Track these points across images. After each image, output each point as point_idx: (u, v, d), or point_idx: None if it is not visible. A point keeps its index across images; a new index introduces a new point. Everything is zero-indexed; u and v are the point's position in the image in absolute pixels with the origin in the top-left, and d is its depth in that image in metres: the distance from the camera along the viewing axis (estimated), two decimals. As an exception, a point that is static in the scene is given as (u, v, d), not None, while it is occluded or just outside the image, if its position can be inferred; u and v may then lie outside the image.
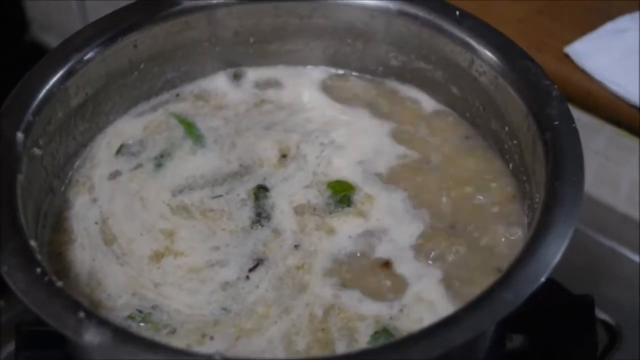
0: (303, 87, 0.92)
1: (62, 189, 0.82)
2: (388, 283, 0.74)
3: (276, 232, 0.79)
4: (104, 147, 0.85)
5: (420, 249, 0.77)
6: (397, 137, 0.87)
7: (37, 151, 0.76)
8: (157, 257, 0.76)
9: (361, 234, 0.78)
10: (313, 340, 0.70)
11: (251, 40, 0.91)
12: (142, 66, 0.87)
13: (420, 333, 0.61)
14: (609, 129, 1.09)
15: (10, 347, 0.85)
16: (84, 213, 0.80)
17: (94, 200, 0.81)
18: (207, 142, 0.86)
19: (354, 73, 0.93)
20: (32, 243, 0.66)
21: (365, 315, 0.72)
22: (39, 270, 0.64)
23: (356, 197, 0.81)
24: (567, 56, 1.12)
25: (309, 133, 0.87)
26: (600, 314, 0.85)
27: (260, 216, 0.80)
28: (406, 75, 0.91)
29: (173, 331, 0.71)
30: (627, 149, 1.08)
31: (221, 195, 0.82)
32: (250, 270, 0.75)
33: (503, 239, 0.77)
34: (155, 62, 0.88)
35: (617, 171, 1.11)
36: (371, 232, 0.78)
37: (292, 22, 0.90)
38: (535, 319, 0.75)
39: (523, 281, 0.63)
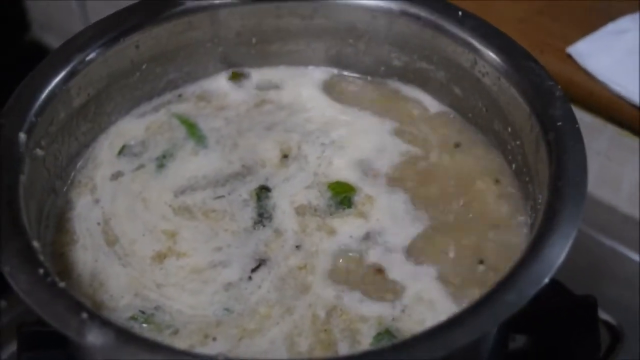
0: (304, 87, 0.92)
1: (65, 190, 0.81)
2: (386, 285, 0.74)
3: (277, 232, 0.78)
4: (106, 148, 0.85)
5: (418, 249, 0.76)
6: (399, 137, 0.87)
7: (39, 152, 0.76)
8: (160, 258, 0.76)
9: (362, 235, 0.78)
10: (315, 341, 0.70)
11: (253, 40, 0.91)
12: (144, 67, 0.87)
13: (424, 335, 0.61)
14: (610, 129, 1.09)
15: (12, 347, 0.86)
16: (86, 214, 0.80)
17: (96, 201, 0.81)
18: (209, 142, 0.86)
19: (356, 74, 0.93)
20: (35, 244, 0.66)
21: (367, 316, 0.72)
22: (41, 270, 0.64)
23: (357, 198, 0.81)
24: (569, 57, 1.12)
25: (309, 133, 0.87)
26: (602, 315, 0.85)
27: (262, 216, 0.80)
28: (408, 76, 0.91)
29: (175, 332, 0.71)
30: (628, 149, 1.08)
31: (223, 196, 0.81)
32: (253, 270, 0.75)
33: (505, 239, 0.77)
34: (157, 63, 0.88)
35: (619, 171, 1.11)
36: (371, 233, 0.78)
37: (293, 22, 0.90)
38: (538, 320, 0.75)
39: (526, 282, 0.63)
